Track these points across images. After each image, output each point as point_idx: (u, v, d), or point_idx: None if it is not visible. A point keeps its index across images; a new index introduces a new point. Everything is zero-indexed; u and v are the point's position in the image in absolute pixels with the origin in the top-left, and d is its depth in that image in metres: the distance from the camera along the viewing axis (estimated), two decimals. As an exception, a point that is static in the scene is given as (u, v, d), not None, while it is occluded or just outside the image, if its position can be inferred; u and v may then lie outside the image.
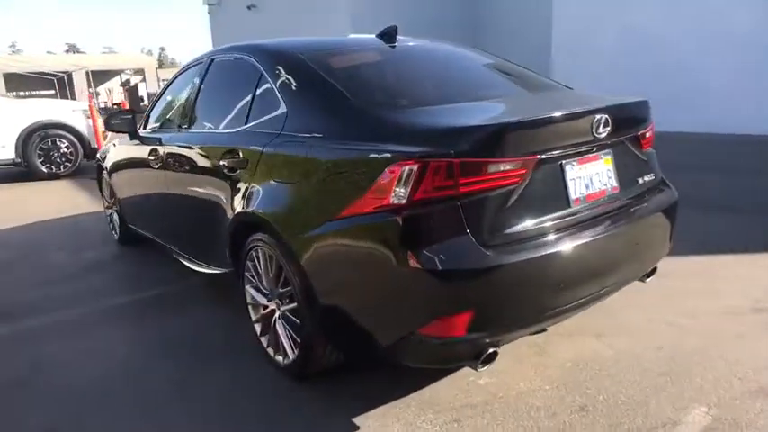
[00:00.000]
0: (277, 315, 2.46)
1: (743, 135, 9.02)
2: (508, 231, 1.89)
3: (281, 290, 2.36)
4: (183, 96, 3.38)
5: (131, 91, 30.51)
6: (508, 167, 1.86)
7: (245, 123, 2.62)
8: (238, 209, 2.51)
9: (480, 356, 1.93)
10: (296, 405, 2.27)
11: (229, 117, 2.83)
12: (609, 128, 2.12)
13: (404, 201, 1.82)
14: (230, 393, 2.38)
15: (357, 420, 2.14)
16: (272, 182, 2.32)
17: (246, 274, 2.61)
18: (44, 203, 6.83)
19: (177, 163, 3.14)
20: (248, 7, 22.96)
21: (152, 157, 3.42)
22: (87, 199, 6.96)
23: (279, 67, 2.52)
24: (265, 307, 2.54)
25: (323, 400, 2.28)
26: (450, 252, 1.81)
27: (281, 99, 2.43)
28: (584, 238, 2.02)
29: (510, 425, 2.05)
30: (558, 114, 1.99)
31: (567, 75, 8.81)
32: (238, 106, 2.82)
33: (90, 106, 8.62)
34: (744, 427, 1.95)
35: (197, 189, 2.94)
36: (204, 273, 3.17)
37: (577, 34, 11.61)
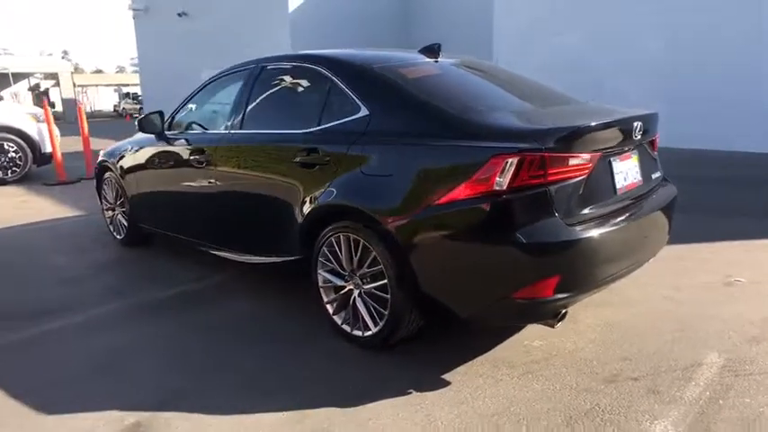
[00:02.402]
0: (356, 294, 2.78)
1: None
2: (581, 213, 2.36)
3: (366, 270, 2.69)
4: (228, 100, 3.61)
5: (42, 96, 28.76)
6: (581, 161, 2.34)
7: (319, 124, 2.94)
8: (319, 200, 2.81)
9: (557, 315, 2.39)
10: (387, 370, 2.60)
11: (295, 119, 3.14)
12: (641, 132, 2.66)
13: (504, 187, 2.24)
14: (320, 366, 2.67)
15: (446, 377, 2.52)
16: (363, 175, 2.65)
17: (321, 259, 2.91)
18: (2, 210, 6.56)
19: (232, 161, 3.37)
20: (179, 14, 22.52)
21: (195, 157, 3.61)
22: (48, 204, 6.77)
23: (355, 76, 2.88)
24: (341, 288, 2.85)
25: (408, 366, 2.63)
26: (543, 228, 2.25)
27: (360, 103, 2.78)
28: (627, 221, 2.53)
29: (573, 373, 2.51)
30: (614, 120, 2.50)
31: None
32: (306, 109, 3.14)
33: (45, 110, 8.31)
34: (750, 362, 2.53)
35: (261, 185, 3.20)
36: (248, 263, 3.43)
37: (515, 48, 12.57)
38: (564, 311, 2.41)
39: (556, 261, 2.28)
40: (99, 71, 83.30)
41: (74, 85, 32.35)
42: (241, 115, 3.42)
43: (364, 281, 2.74)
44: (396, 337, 2.68)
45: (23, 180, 8.44)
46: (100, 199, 5.02)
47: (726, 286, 3.48)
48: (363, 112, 2.76)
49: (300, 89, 3.26)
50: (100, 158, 4.88)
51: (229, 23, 20.09)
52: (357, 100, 2.80)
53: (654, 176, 2.96)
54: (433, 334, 2.86)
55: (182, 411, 2.32)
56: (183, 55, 23.17)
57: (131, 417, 2.29)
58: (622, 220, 2.52)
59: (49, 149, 8.46)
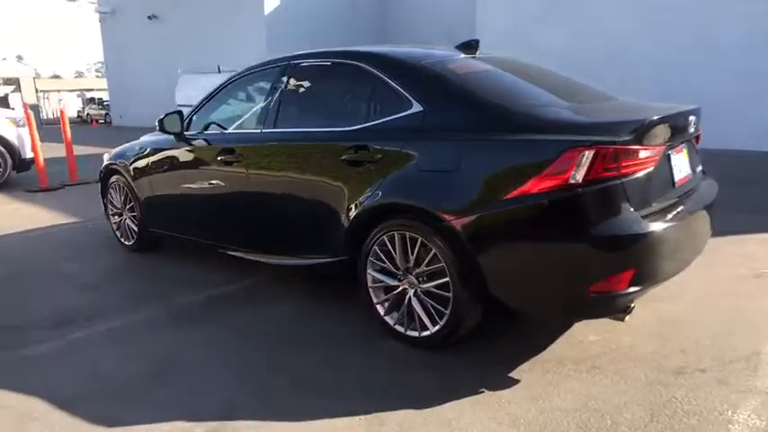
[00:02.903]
0: (411, 293, 2.72)
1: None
2: (649, 206, 2.37)
3: (425, 268, 2.64)
4: (256, 99, 3.51)
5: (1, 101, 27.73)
6: (650, 154, 2.34)
7: (366, 121, 2.88)
8: (371, 198, 2.74)
9: (627, 308, 2.38)
10: (453, 370, 2.55)
11: (337, 116, 3.07)
12: (694, 125, 2.69)
13: (579, 180, 2.22)
14: (383, 367, 2.60)
15: (513, 375, 2.49)
16: (421, 171, 2.60)
17: (371, 258, 2.84)
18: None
19: (268, 160, 3.27)
20: (149, 17, 22.06)
21: (223, 157, 3.49)
22: (37, 211, 6.48)
23: (404, 73, 2.83)
24: (393, 287, 2.79)
25: (473, 364, 2.59)
26: (619, 221, 2.24)
27: (412, 99, 2.73)
28: (685, 215, 2.55)
29: (639, 367, 2.51)
30: (675, 113, 2.51)
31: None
32: (349, 106, 3.07)
33: (26, 114, 7.97)
34: (807, 351, 2.58)
35: (300, 184, 3.11)
36: (282, 266, 3.36)
37: (499, 44, 12.68)
38: (633, 305, 2.40)
39: (631, 254, 2.27)
40: (57, 76, 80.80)
41: (36, 90, 31.23)
42: (274, 114, 3.32)
43: (421, 280, 2.68)
44: (456, 336, 2.63)
45: (3, 187, 8.07)
46: (104, 204, 4.82)
47: (757, 278, 3.55)
48: (416, 108, 2.71)
49: (342, 86, 3.18)
50: (106, 162, 4.69)
51: (203, 26, 19.76)
52: (408, 96, 2.75)
53: (698, 170, 2.99)
54: (486, 332, 2.82)
55: (251, 420, 2.23)
56: (153, 59, 22.69)
57: (199, 428, 2.18)
58: (682, 214, 2.53)
59: (29, 155, 8.12)
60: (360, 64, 3.00)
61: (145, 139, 4.44)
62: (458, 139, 2.53)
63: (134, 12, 23.12)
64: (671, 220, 2.42)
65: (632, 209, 2.28)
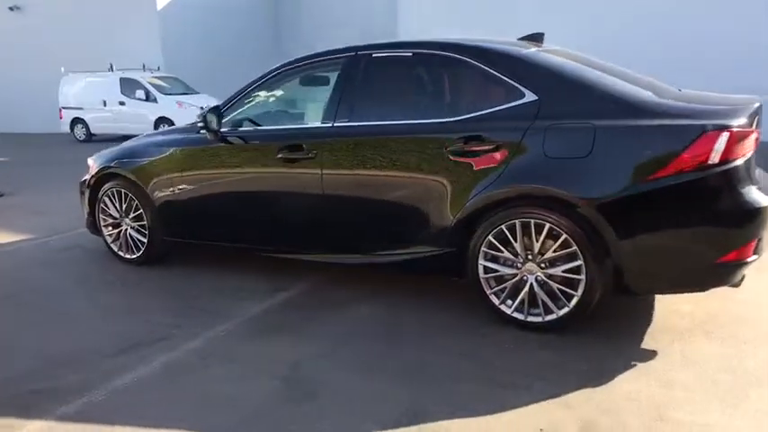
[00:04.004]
0: (532, 279, 2.78)
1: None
2: (756, 182, 2.64)
3: (552, 254, 2.70)
4: (317, 92, 3.33)
5: None
6: (756, 136, 2.61)
7: (473, 112, 2.88)
8: (490, 188, 2.76)
9: (743, 276, 2.64)
10: (590, 349, 2.64)
11: (432, 108, 3.07)
12: None
13: (716, 160, 2.43)
14: (529, 354, 2.64)
15: (645, 345, 2.66)
16: (549, 158, 2.66)
17: (485, 248, 2.84)
18: None
19: (352, 156, 3.13)
20: (10, 8, 19.52)
21: (286, 155, 3.27)
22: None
23: (508, 63, 2.88)
24: (510, 276, 2.83)
25: (600, 342, 2.70)
26: (749, 195, 2.49)
27: (523, 89, 2.78)
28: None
29: (741, 328, 2.79)
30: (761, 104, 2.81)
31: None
32: (443, 97, 3.07)
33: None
34: None
35: (396, 178, 3.03)
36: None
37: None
38: (744, 274, 2.67)
39: (758, 224, 2.52)
40: None
41: None
42: (349, 107, 3.18)
43: (544, 265, 2.75)
44: (582, 316, 2.73)
45: None
46: (95, 215, 4.24)
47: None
48: (530, 97, 2.76)
49: (432, 77, 3.14)
50: (97, 167, 4.14)
51: (83, 19, 17.88)
52: (518, 86, 2.79)
53: None
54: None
55: (445, 420, 2.15)
56: (14, 56, 20.09)
57: (402, 434, 2.07)
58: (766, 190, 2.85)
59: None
60: (456, 55, 2.98)
61: (153, 139, 4.01)
62: (588, 126, 2.63)
63: (-7, 2, 20.27)
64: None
65: (754, 184, 2.54)
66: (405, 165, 3.00)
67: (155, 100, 13.96)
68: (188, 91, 14.63)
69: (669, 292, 2.85)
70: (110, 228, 4.21)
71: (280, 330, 2.99)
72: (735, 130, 2.45)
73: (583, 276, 2.65)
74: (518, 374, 2.46)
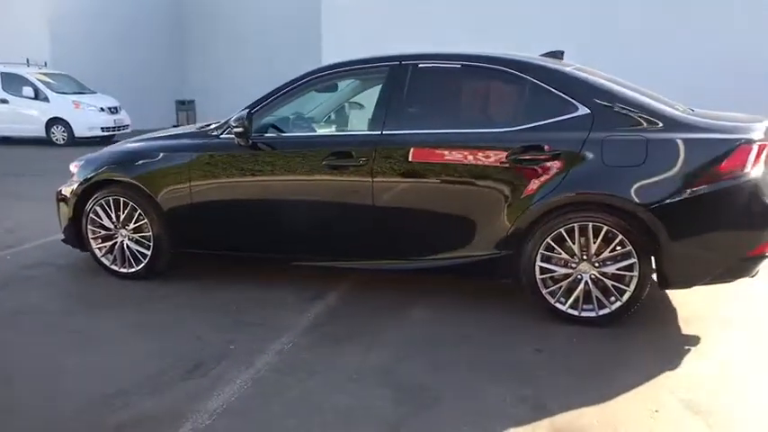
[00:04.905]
0: (587, 277, 3.03)
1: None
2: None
3: (609, 254, 2.97)
4: (359, 100, 3.34)
5: None
6: (771, 149, 3.08)
7: (529, 123, 3.07)
8: (552, 194, 2.97)
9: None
10: (647, 339, 2.94)
11: (488, 118, 3.21)
12: None
13: (749, 169, 2.85)
14: (595, 349, 2.86)
15: (687, 332, 3.01)
16: (608, 166, 2.93)
17: (541, 251, 3.05)
18: None
19: (405, 164, 3.18)
20: None
21: (332, 162, 3.24)
22: None
23: (563, 79, 3.13)
24: (564, 276, 3.06)
25: (648, 331, 3.02)
26: (775, 195, 2.93)
27: (576, 103, 3.03)
28: None
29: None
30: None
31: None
32: (498, 108, 3.22)
33: None
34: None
35: (453, 185, 3.15)
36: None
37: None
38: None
39: (780, 221, 2.98)
40: None
41: None
42: (397, 115, 3.23)
43: (598, 264, 3.00)
44: (630, 310, 3.03)
45: None
46: (79, 226, 3.82)
47: None
48: (583, 110, 3.02)
49: (484, 89, 3.28)
50: (90, 174, 3.75)
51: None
52: (571, 99, 3.04)
53: None
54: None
55: (560, 413, 2.30)
56: None
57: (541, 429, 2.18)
58: None
59: None
60: (508, 69, 3.16)
61: (166, 143, 3.75)
62: (641, 138, 2.93)
63: None
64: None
65: (771, 189, 3.00)
66: (463, 172, 3.12)
67: (46, 99, 12.60)
68: (83, 90, 13.40)
69: (704, 284, 3.23)
70: (98, 240, 3.83)
71: (344, 339, 2.96)
72: (763, 143, 2.88)
73: (636, 273, 2.95)
74: (602, 365, 2.68)
